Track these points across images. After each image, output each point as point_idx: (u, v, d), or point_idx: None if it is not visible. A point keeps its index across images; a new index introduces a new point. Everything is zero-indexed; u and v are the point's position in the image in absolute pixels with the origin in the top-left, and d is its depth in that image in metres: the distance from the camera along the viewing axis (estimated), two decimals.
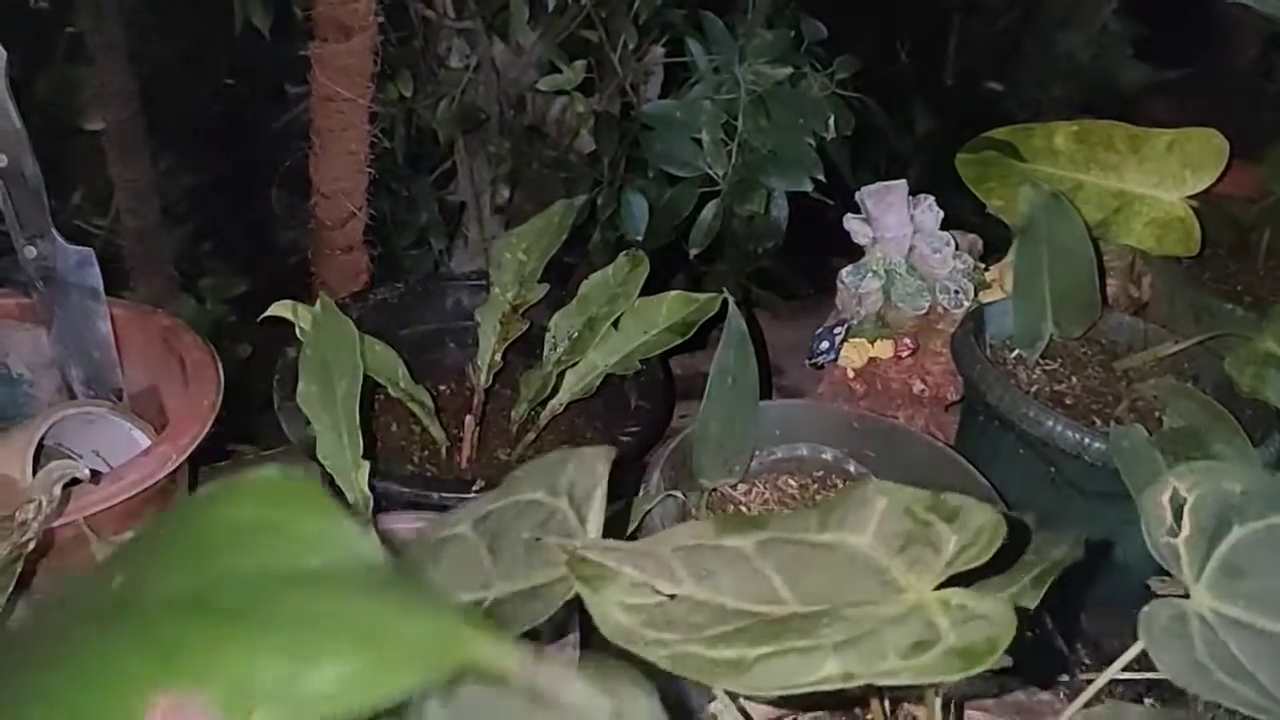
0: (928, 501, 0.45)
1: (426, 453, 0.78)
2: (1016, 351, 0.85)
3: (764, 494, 0.78)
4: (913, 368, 0.91)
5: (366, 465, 0.63)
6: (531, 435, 0.79)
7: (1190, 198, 0.89)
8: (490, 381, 0.79)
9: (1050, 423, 0.76)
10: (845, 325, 0.91)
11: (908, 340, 0.91)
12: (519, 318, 0.79)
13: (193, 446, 0.66)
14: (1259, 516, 0.46)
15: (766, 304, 1.24)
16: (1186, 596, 0.45)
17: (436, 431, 0.76)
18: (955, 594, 0.43)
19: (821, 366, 0.92)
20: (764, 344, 0.96)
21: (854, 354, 0.91)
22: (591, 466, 0.50)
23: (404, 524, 0.68)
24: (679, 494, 0.72)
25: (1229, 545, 0.46)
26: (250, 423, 0.94)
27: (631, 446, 0.76)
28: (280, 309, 0.69)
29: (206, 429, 0.66)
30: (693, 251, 1.02)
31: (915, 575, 0.43)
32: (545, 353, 0.79)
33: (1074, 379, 0.84)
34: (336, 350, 0.65)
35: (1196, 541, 0.46)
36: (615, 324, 0.79)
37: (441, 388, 0.83)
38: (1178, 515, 0.46)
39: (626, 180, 1.16)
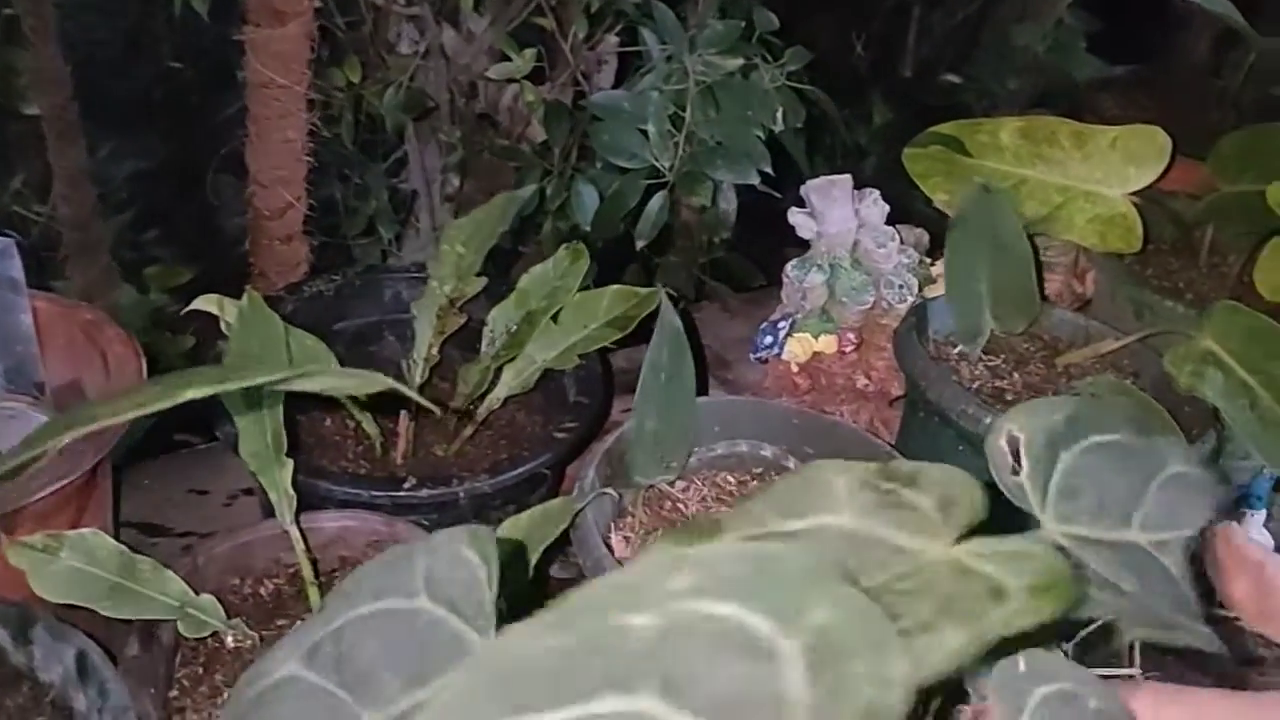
0: (880, 471, 0.45)
1: (361, 448, 0.77)
2: (959, 347, 0.85)
3: (702, 491, 0.77)
4: (857, 363, 0.91)
5: (290, 464, 0.61)
6: (469, 431, 0.78)
7: (1133, 194, 0.89)
8: (427, 376, 0.78)
9: (988, 419, 0.76)
10: (789, 319, 0.90)
11: (852, 335, 0.90)
12: (456, 311, 0.78)
13: (113, 442, 0.65)
14: (1079, 439, 0.48)
15: (719, 296, 1.23)
16: (1039, 527, 0.46)
17: (370, 427, 0.75)
18: (976, 544, 0.42)
19: (766, 360, 0.91)
20: (700, 340, 0.95)
21: (798, 348, 0.90)
22: (455, 557, 0.44)
23: (332, 523, 0.67)
24: (614, 492, 0.71)
25: (1060, 472, 0.47)
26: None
27: (570, 442, 0.75)
28: (205, 303, 0.67)
29: (125, 427, 0.65)
30: (640, 243, 1.01)
31: (925, 539, 0.43)
32: (483, 347, 0.78)
33: (1015, 375, 0.84)
34: (262, 346, 0.64)
35: (1035, 475, 0.47)
36: (554, 318, 0.78)
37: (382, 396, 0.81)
38: (1016, 455, 0.47)
39: (578, 170, 1.15)
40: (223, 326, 0.67)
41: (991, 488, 0.48)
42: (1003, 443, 0.51)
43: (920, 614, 0.39)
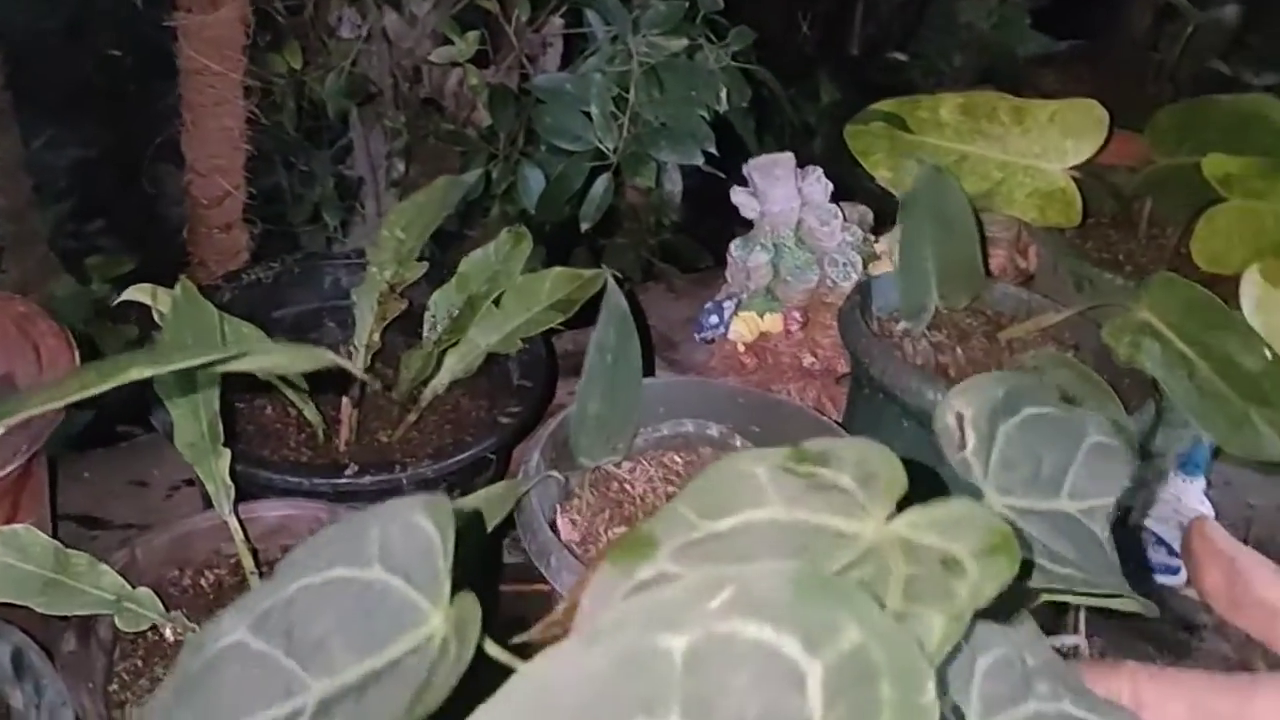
0: (793, 454, 0.45)
1: (304, 437, 0.76)
2: (903, 324, 0.86)
3: (649, 471, 0.77)
4: (803, 341, 0.91)
5: (227, 454, 0.61)
6: (413, 416, 0.77)
7: (1073, 168, 0.90)
8: (369, 362, 0.77)
9: (931, 394, 0.76)
10: (735, 299, 0.90)
11: (797, 314, 0.91)
12: (397, 297, 0.77)
13: (47, 434, 0.64)
14: (1014, 412, 0.49)
15: (665, 278, 1.23)
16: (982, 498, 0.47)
17: (312, 414, 0.74)
18: (912, 516, 0.42)
19: (712, 341, 0.91)
20: (646, 322, 0.95)
21: (744, 328, 0.90)
22: (409, 525, 0.45)
23: (273, 512, 0.66)
24: (559, 475, 0.71)
25: (999, 445, 0.48)
26: (135, 405, 0.92)
27: (514, 426, 0.75)
28: (138, 293, 0.66)
29: (61, 418, 0.64)
30: (584, 226, 1.01)
31: (858, 519, 0.43)
32: (425, 332, 0.78)
33: (959, 350, 0.85)
34: (196, 334, 0.63)
35: (979, 449, 0.48)
36: (497, 302, 0.78)
37: (320, 371, 0.80)
38: (963, 431, 0.48)
39: (524, 154, 1.15)
40: (156, 316, 0.66)
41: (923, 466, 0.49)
42: (951, 420, 0.51)
43: (892, 604, 0.39)
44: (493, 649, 0.43)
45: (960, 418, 0.51)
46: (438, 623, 0.43)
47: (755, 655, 0.33)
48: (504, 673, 0.42)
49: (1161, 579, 0.87)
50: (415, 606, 0.44)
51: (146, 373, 0.39)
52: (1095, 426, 0.55)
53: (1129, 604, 0.53)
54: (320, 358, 0.45)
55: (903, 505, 0.45)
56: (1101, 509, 0.51)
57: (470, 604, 0.43)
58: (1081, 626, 0.83)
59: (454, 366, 0.77)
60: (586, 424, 0.72)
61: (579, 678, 0.31)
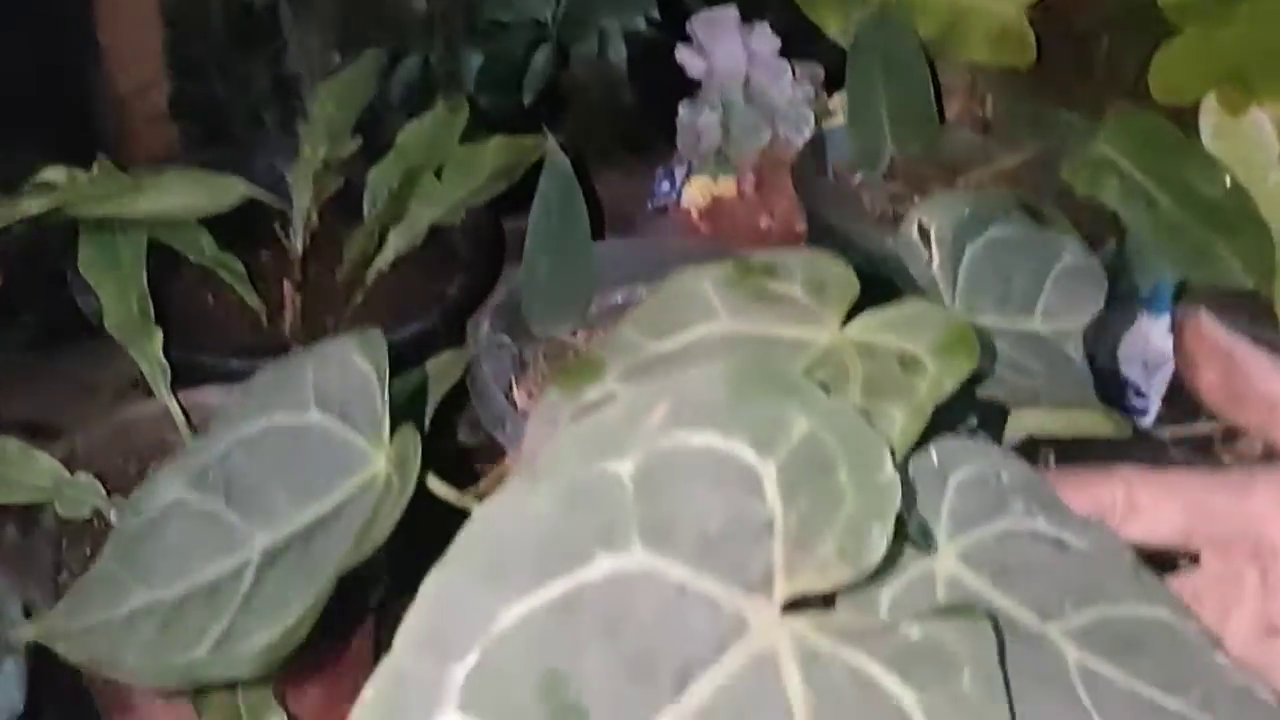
0: (739, 266, 0.43)
1: (247, 323, 0.74)
2: (859, 176, 0.84)
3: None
4: (758, 204, 0.89)
5: (159, 332, 0.58)
6: (359, 297, 0.75)
7: (1028, 8, 0.87)
8: (308, 244, 0.75)
9: (890, 241, 0.75)
10: (686, 165, 0.88)
11: (751, 175, 0.88)
12: (333, 174, 0.74)
13: None
14: (982, 230, 0.48)
15: (615, 156, 1.20)
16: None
17: (253, 300, 0.72)
18: (865, 319, 0.41)
19: (665, 209, 0.89)
20: (595, 190, 0.92)
21: (697, 194, 0.88)
22: (345, 364, 0.42)
23: (217, 398, 0.64)
24: (510, 341, 0.69)
25: (966, 263, 0.47)
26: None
27: (460, 299, 0.72)
28: (52, 174, 0.63)
29: None
30: (527, 98, 0.98)
31: (812, 326, 0.41)
32: (365, 209, 0.75)
33: (916, 198, 0.83)
34: (118, 214, 0.61)
35: (945, 266, 0.47)
36: (438, 174, 0.75)
37: (260, 255, 0.78)
38: (929, 245, 0.47)
39: (463, 37, 1.10)
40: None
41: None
42: (914, 233, 0.49)
43: (852, 401, 0.37)
44: (435, 484, 0.42)
45: (925, 232, 0.49)
46: (380, 464, 0.42)
47: (705, 465, 0.32)
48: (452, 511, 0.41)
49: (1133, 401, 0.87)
50: (357, 449, 0.42)
51: (34, 210, 0.37)
52: (1068, 248, 0.53)
53: (1103, 425, 0.52)
54: (233, 189, 0.43)
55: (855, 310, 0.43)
56: (1074, 331, 0.50)
57: (410, 438, 0.41)
58: (1051, 464, 0.83)
59: (397, 243, 0.75)
60: (536, 289, 0.70)
61: (529, 521, 0.29)
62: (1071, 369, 0.49)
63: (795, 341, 0.40)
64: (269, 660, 0.38)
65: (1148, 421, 0.87)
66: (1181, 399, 0.89)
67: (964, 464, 0.40)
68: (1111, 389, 0.87)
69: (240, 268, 0.70)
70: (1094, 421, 0.50)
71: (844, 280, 0.42)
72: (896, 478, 0.32)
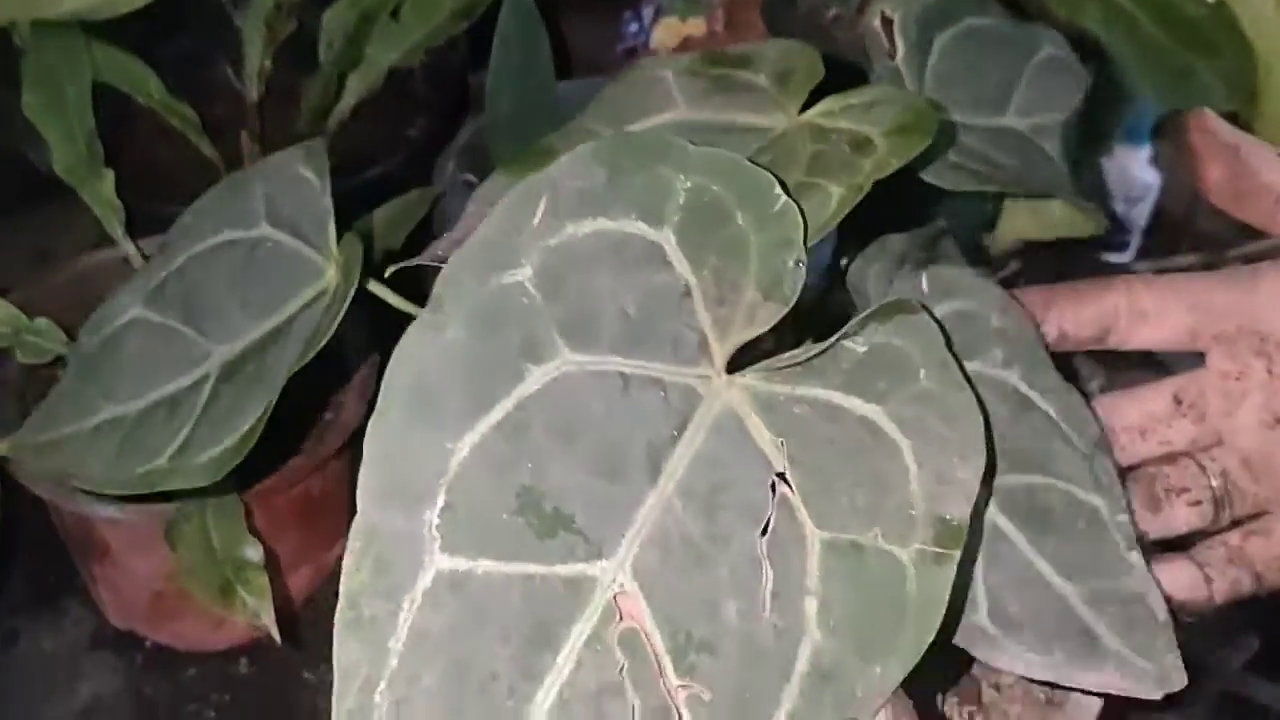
0: (707, 57, 0.42)
1: (205, 177, 0.72)
2: (833, 11, 0.81)
3: None
4: (728, 43, 0.87)
5: (110, 174, 0.57)
6: (322, 144, 0.73)
7: None
8: (264, 92, 0.72)
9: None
10: (654, 4, 0.85)
11: (720, 14, 0.86)
12: (286, 17, 0.71)
13: None
14: (952, 21, 0.46)
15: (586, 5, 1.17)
16: None
17: (209, 150, 0.70)
18: (828, 103, 0.40)
19: (634, 51, 0.87)
20: (560, 29, 0.89)
21: (666, 35, 0.86)
22: (292, 176, 0.42)
23: None
24: (477, 182, 0.68)
25: (935, 57, 0.45)
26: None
27: (422, 140, 0.71)
28: None
29: None
30: None
31: (770, 113, 0.40)
32: (320, 54, 0.72)
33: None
34: (61, 54, 0.58)
35: (910, 59, 0.45)
36: (395, 15, 0.72)
37: (216, 107, 0.75)
38: (891, 36, 0.45)
39: None
40: (16, 40, 0.61)
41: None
42: (877, 24, 0.48)
43: (792, 178, 0.36)
44: (377, 289, 0.41)
45: (887, 21, 0.47)
46: (331, 274, 0.41)
47: (603, 251, 0.31)
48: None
49: (1108, 255, 0.86)
50: (308, 261, 0.41)
51: None
52: (1047, 40, 0.52)
53: (1080, 223, 0.51)
54: None
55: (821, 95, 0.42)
56: (1052, 127, 0.48)
57: (353, 245, 0.40)
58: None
59: (356, 88, 0.72)
60: (499, 128, 0.68)
61: (447, 353, 0.28)
62: (1049, 166, 0.48)
63: (751, 127, 0.39)
64: (222, 467, 0.38)
65: (1127, 257, 0.87)
66: (1163, 233, 0.89)
67: (955, 297, 0.39)
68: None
69: (193, 115, 0.68)
70: (1072, 219, 0.49)
71: (809, 67, 0.41)
72: (791, 204, 0.31)
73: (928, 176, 0.42)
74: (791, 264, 0.32)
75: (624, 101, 0.41)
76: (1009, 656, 0.32)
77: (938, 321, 0.33)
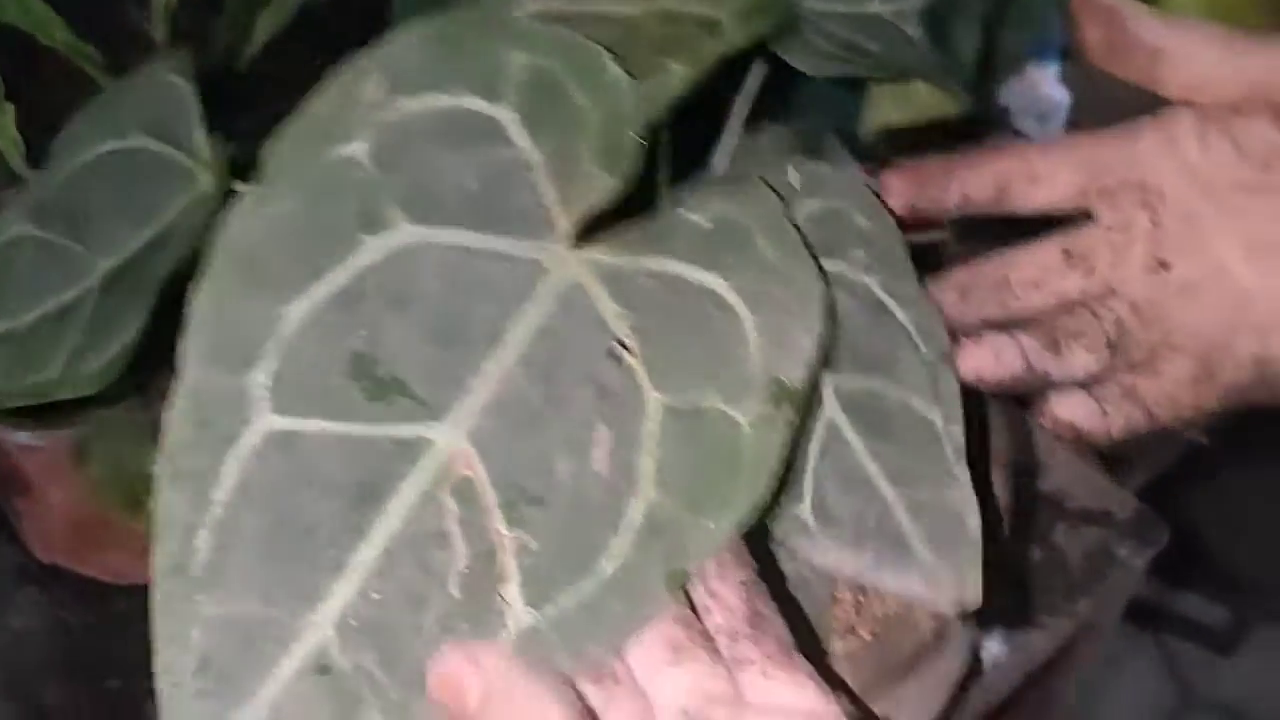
0: None
1: None
2: None
3: None
4: None
5: (10, 108, 0.57)
6: (234, 85, 0.73)
7: None
8: (172, 32, 0.72)
9: None
10: None
11: None
12: None
13: None
14: None
15: None
16: None
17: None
18: None
19: None
20: None
21: None
22: (162, 85, 0.43)
23: None
24: None
25: None
26: None
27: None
28: None
29: None
30: None
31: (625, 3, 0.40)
32: None
33: None
34: None
35: None
36: None
37: (123, 49, 0.75)
38: None
39: None
40: None
41: None
42: None
43: (640, 58, 0.37)
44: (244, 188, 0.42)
45: None
46: (206, 179, 0.41)
47: (441, 127, 0.32)
48: None
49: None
50: (181, 167, 0.42)
51: None
52: None
53: (948, 103, 0.51)
54: None
55: None
56: (912, 10, 0.49)
57: (220, 147, 0.41)
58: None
59: (266, 26, 0.72)
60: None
61: (279, 222, 0.29)
62: (912, 49, 0.48)
63: (609, 16, 0.40)
64: (109, 374, 0.39)
65: None
66: None
67: (821, 194, 0.40)
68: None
69: (96, 55, 0.67)
70: (938, 101, 0.50)
71: None
72: (626, 77, 0.32)
73: (792, 61, 0.42)
74: (628, 138, 0.33)
75: None
76: (821, 550, 0.33)
77: (775, 192, 0.34)
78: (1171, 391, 0.39)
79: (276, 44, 0.74)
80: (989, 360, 0.39)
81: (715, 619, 0.29)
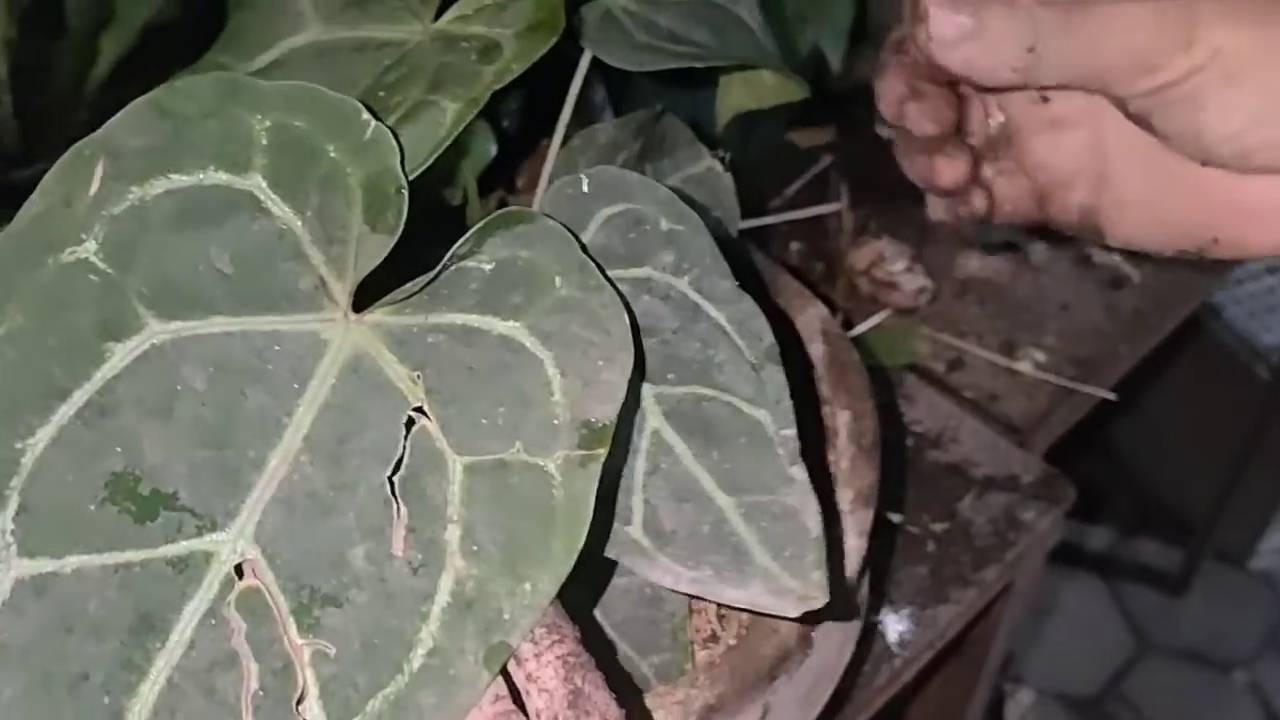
0: None
1: None
2: None
3: None
4: None
5: None
6: (83, 114, 0.70)
7: None
8: (13, 64, 0.69)
9: None
10: None
11: None
12: None
13: None
14: None
15: None
16: None
17: None
18: (461, 6, 0.38)
19: None
20: None
21: None
22: None
23: None
24: None
25: None
26: None
27: None
28: None
29: None
30: None
31: (406, 24, 0.39)
32: (70, 19, 0.69)
33: None
34: None
35: None
36: None
37: None
38: None
39: None
40: None
41: None
42: None
43: (412, 96, 0.35)
44: None
45: None
46: None
47: (183, 209, 0.29)
48: None
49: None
50: None
51: None
52: None
53: (790, 88, 0.49)
54: None
55: None
56: None
57: None
58: (844, 197, 0.81)
59: (111, 50, 0.69)
60: None
61: (7, 345, 0.27)
62: (746, 34, 0.46)
63: (385, 42, 0.38)
64: None
65: None
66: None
67: (619, 200, 0.38)
68: None
69: None
70: (784, 86, 0.48)
71: None
72: (383, 129, 0.30)
73: (605, 57, 0.40)
74: (393, 191, 0.31)
75: (252, 27, 0.40)
76: (659, 570, 0.32)
77: (565, 226, 0.32)
78: (1014, 199, 0.38)
79: (124, 67, 0.71)
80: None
81: (535, 702, 0.28)
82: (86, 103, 0.70)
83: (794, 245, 0.72)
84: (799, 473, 0.33)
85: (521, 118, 0.51)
